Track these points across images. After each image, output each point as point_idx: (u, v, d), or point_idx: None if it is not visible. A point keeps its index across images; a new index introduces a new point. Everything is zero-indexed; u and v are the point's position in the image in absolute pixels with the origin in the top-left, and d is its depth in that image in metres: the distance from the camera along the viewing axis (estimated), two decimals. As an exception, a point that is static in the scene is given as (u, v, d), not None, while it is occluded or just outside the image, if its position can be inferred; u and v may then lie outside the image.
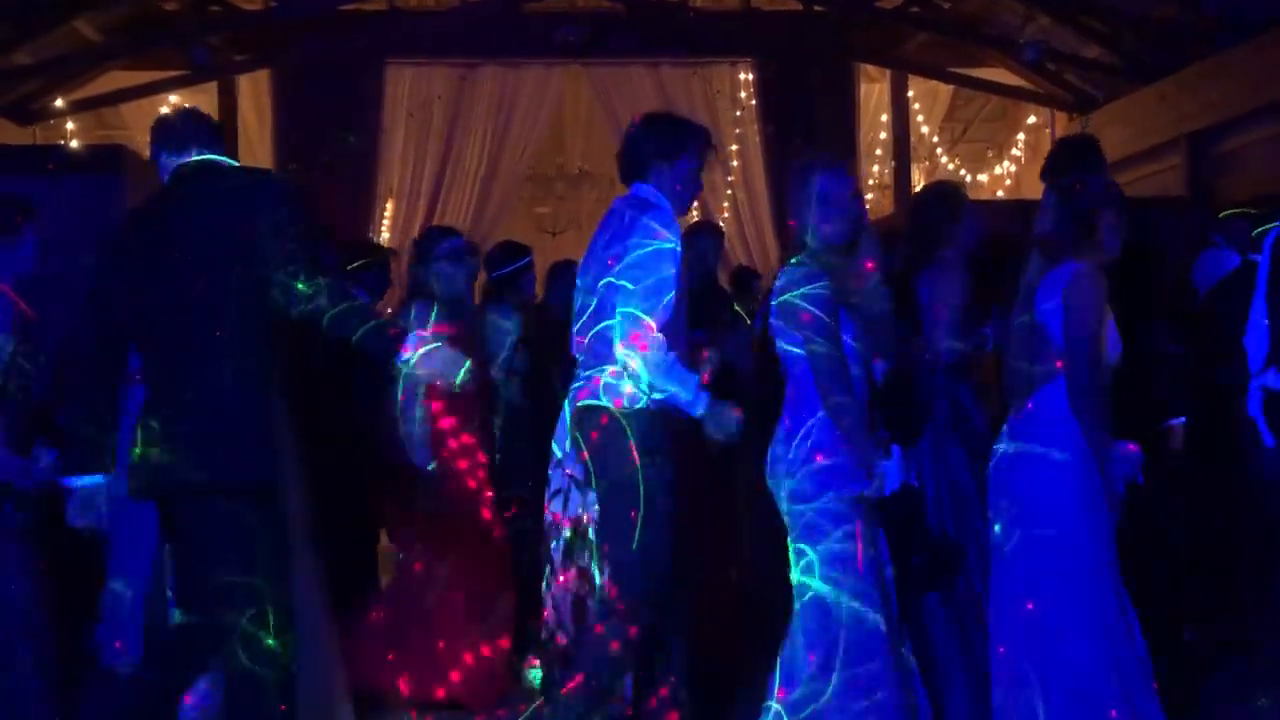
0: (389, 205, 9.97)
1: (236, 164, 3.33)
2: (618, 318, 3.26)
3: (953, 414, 4.02)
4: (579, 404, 3.38)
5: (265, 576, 2.96)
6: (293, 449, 3.15)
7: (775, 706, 3.26)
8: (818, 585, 3.25)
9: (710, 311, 4.86)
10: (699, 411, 3.29)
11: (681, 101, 9.97)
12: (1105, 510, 3.25)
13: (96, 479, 3.08)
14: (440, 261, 4.48)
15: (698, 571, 4.42)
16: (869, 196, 10.36)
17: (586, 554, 3.50)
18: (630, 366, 3.25)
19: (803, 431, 3.30)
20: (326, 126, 9.27)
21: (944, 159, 11.28)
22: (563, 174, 11.44)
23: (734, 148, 9.78)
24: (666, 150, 3.37)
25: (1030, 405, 3.33)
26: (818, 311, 3.24)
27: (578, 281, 3.52)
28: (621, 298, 3.26)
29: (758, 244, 9.85)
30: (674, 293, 3.29)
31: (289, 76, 9.67)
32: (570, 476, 3.45)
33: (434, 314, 4.34)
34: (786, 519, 3.34)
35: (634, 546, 3.27)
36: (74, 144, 9.07)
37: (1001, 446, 3.40)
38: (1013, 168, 10.92)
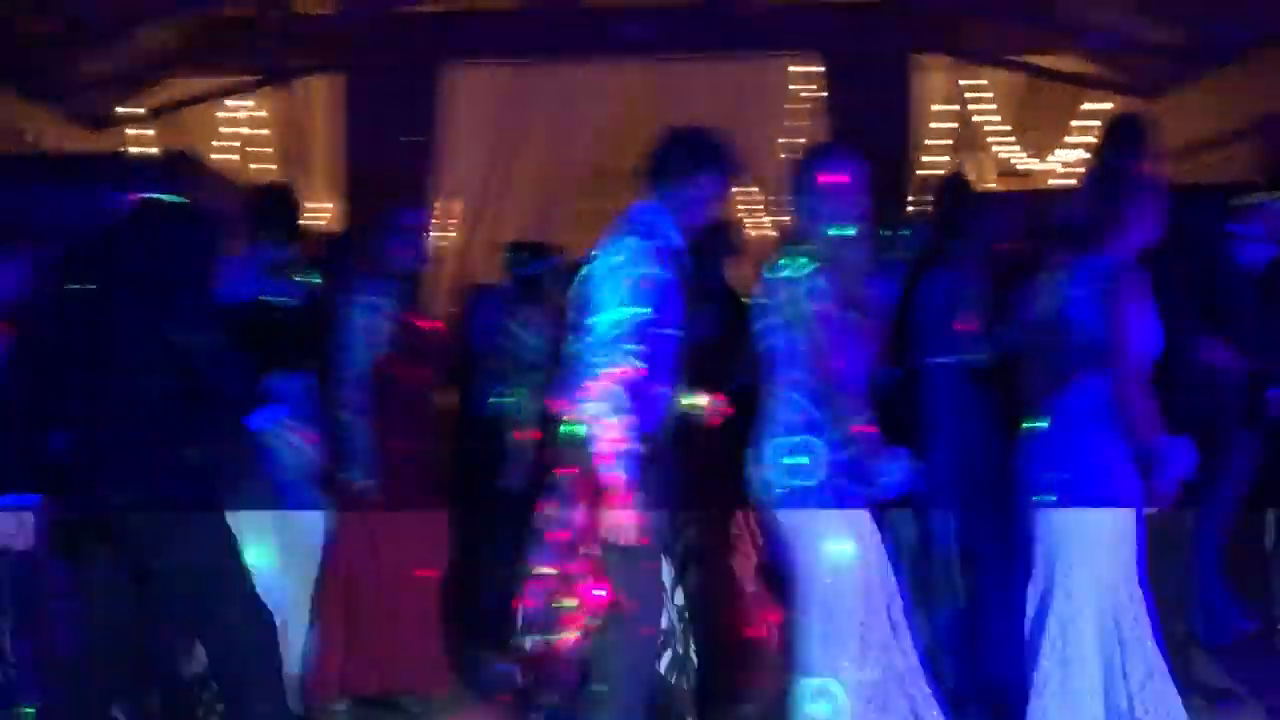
0: (453, 206, 10.05)
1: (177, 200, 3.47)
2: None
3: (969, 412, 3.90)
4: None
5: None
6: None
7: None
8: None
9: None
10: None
11: (738, 96, 9.94)
12: (1136, 520, 3.16)
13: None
14: None
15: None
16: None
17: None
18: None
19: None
20: (391, 129, 9.36)
21: (1006, 150, 11.09)
22: (625, 172, 11.41)
23: (796, 141, 9.72)
24: (687, 169, 3.25)
25: (1060, 400, 3.23)
26: (813, 302, 3.13)
27: None
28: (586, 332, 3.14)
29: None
30: (647, 318, 3.09)
31: (354, 80, 9.76)
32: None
33: None
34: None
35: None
36: (150, 151, 9.26)
37: (1034, 443, 3.29)
38: (1084, 155, 10.71)
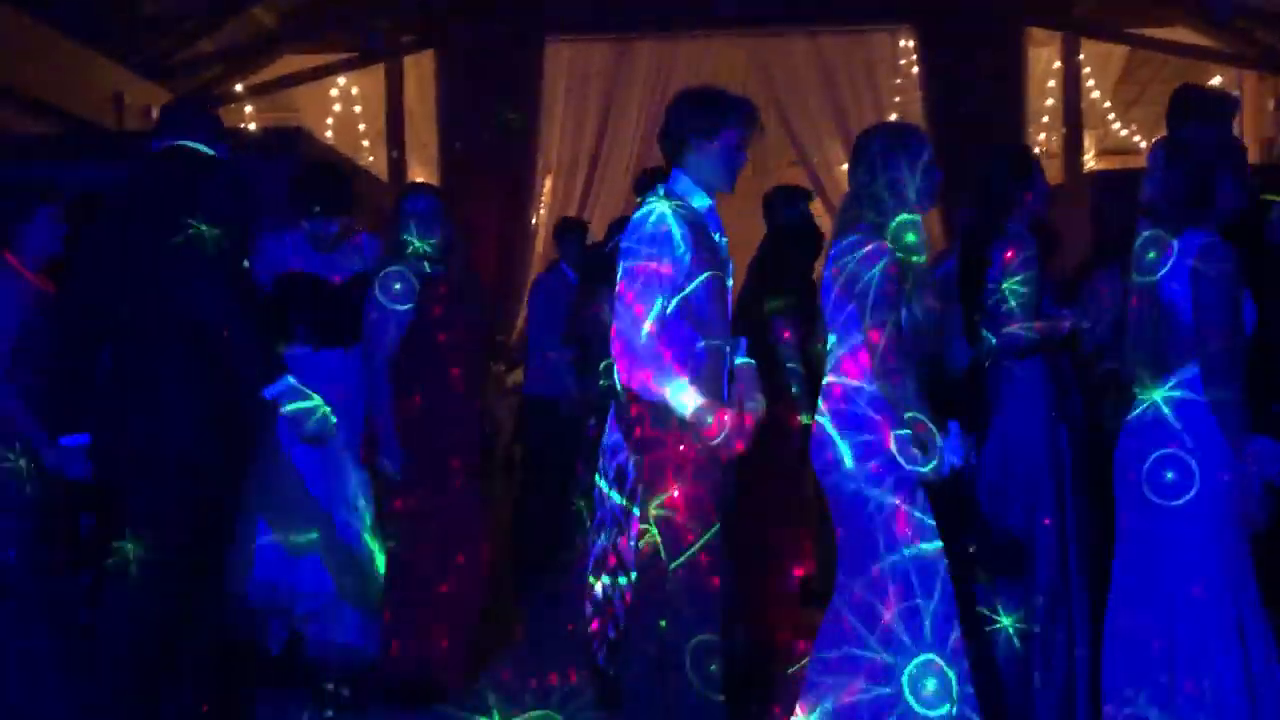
0: (548, 181, 10.11)
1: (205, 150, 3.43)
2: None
3: (1041, 398, 3.77)
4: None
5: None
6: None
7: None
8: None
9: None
10: (681, 411, 3.07)
11: (840, 70, 9.81)
12: (1244, 522, 3.02)
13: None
14: None
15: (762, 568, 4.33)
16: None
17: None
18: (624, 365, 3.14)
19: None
20: (487, 105, 9.44)
21: (1117, 125, 10.79)
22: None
23: (894, 116, 9.57)
24: (703, 127, 3.21)
25: (1160, 398, 3.06)
26: (880, 280, 3.03)
27: None
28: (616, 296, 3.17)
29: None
30: (668, 279, 3.12)
31: (451, 57, 9.85)
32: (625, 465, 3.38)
33: None
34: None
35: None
36: (251, 127, 9.50)
37: (1132, 445, 3.13)
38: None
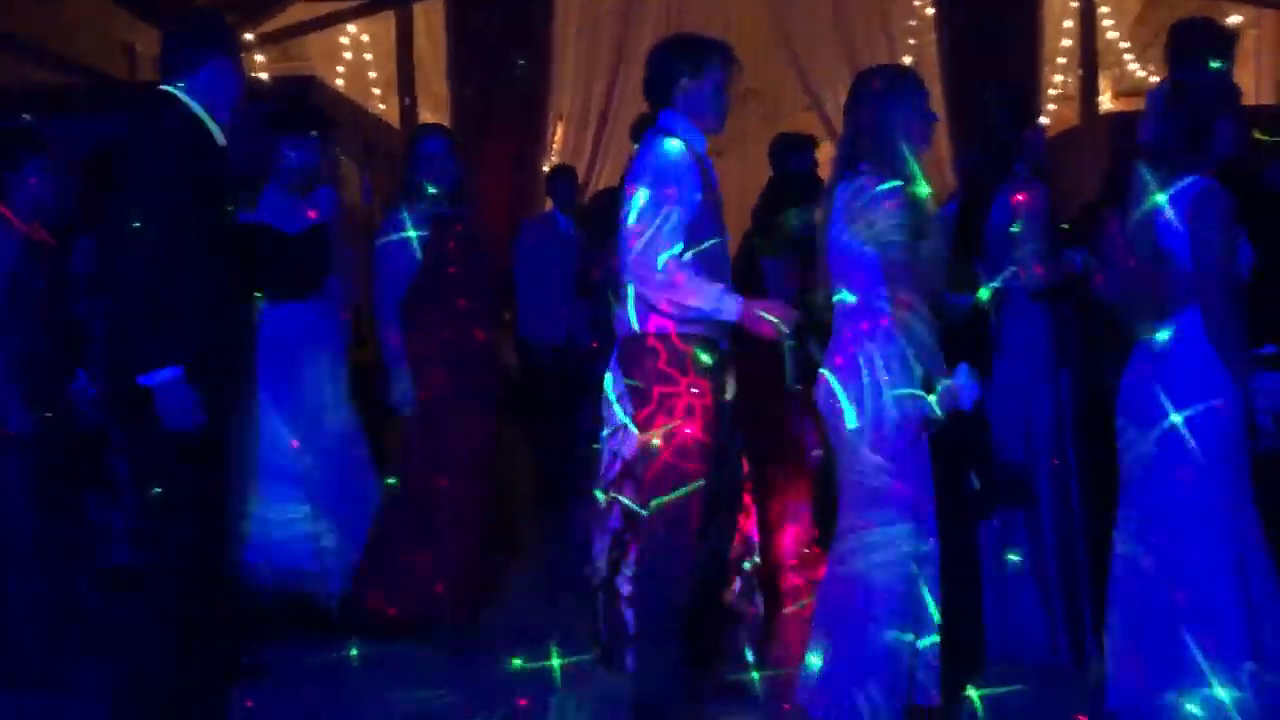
0: (559, 128, 10.08)
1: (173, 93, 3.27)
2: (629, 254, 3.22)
3: (1047, 341, 3.80)
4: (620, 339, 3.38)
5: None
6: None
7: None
8: None
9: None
10: (729, 316, 3.18)
11: (856, 14, 9.72)
12: (1245, 453, 3.06)
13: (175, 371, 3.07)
14: None
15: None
16: (1050, 108, 9.92)
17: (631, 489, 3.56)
18: (646, 298, 3.21)
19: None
20: (498, 52, 9.39)
21: (1134, 66, 10.66)
22: (738, 92, 11.28)
23: (908, 60, 9.49)
24: (689, 69, 3.30)
25: (1161, 340, 3.10)
26: (897, 225, 3.07)
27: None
28: (630, 231, 3.22)
29: (932, 159, 9.59)
30: (686, 211, 3.19)
31: (461, 2, 9.78)
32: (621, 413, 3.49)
33: None
34: None
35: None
36: (263, 76, 9.46)
37: (1133, 380, 3.17)
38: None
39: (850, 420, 3.13)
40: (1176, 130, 3.06)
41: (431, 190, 4.22)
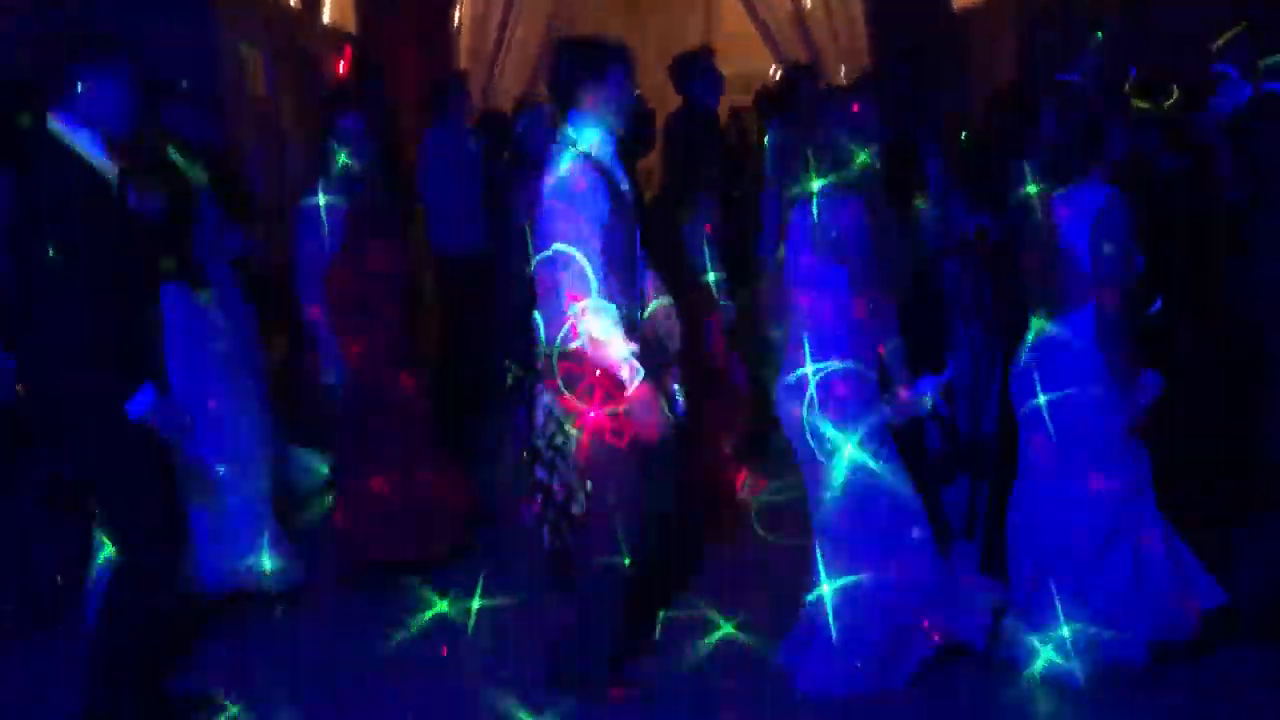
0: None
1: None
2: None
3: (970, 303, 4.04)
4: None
5: None
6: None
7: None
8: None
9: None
10: (626, 380, 3.26)
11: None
12: (1119, 439, 3.36)
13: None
14: None
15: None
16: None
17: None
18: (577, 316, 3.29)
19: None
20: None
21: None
22: (630, 29, 11.32)
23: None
24: (592, 73, 3.38)
25: (1055, 329, 3.36)
26: (861, 235, 3.26)
27: None
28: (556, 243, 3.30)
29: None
30: (594, 232, 3.28)
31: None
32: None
33: None
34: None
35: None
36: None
37: (1027, 362, 3.44)
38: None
39: (823, 424, 3.35)
40: (1070, 139, 3.27)
41: (347, 163, 4.28)
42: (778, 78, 6.61)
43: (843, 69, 9.74)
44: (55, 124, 3.16)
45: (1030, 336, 3.46)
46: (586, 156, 3.32)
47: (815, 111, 3.40)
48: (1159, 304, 3.62)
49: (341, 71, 9.65)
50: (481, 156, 6.34)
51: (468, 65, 10.01)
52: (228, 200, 4.58)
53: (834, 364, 3.31)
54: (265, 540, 4.29)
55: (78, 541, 4.05)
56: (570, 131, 3.38)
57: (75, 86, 3.14)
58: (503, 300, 4.74)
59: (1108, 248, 3.20)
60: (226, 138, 5.40)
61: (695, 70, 5.61)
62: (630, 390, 3.24)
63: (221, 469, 4.19)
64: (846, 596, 3.39)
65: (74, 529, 4.07)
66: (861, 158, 3.26)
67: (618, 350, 3.24)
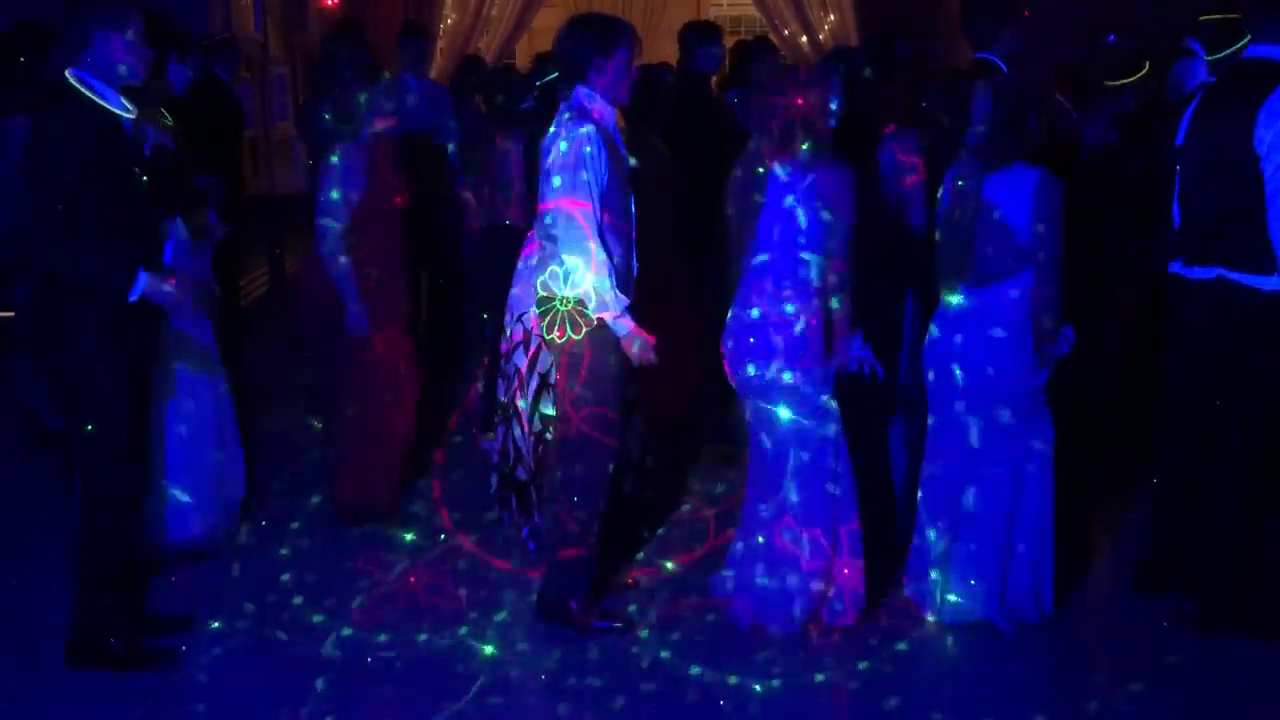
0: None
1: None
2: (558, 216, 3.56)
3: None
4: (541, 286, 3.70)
5: None
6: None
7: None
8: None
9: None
10: (619, 330, 3.60)
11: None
12: (1029, 393, 3.66)
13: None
14: None
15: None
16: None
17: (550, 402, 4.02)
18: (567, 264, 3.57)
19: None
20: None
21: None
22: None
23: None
24: (600, 49, 3.61)
25: (985, 294, 3.63)
26: (844, 208, 3.56)
27: None
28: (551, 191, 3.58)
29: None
30: (595, 176, 3.55)
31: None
32: (536, 333, 3.87)
33: None
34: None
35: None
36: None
37: (944, 329, 3.71)
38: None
39: (785, 372, 3.63)
40: (1002, 123, 3.59)
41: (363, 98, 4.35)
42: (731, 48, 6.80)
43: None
44: (70, 76, 3.33)
45: (945, 307, 3.73)
46: (593, 122, 3.57)
47: (766, 89, 3.66)
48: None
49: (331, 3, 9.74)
50: (454, 104, 6.57)
51: (452, 14, 10.14)
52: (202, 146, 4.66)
53: (788, 307, 3.60)
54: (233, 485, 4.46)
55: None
56: (578, 96, 3.63)
57: (88, 40, 3.32)
58: (482, 257, 4.96)
59: (1046, 222, 3.53)
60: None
61: (708, 40, 5.81)
62: (623, 330, 3.58)
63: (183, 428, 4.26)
64: (765, 538, 3.72)
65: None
66: (806, 145, 3.56)
67: (612, 302, 3.55)
